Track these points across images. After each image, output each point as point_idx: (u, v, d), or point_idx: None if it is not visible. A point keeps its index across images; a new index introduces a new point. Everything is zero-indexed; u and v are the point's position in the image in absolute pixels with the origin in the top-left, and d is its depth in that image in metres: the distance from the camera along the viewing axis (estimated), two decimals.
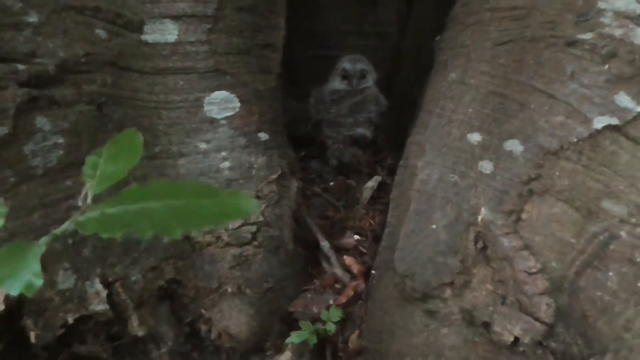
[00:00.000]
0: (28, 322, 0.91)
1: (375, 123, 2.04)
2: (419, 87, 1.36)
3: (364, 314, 1.17)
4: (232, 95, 1.20)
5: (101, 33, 1.05)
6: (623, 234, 0.93)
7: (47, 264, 0.92)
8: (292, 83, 2.30)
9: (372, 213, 1.61)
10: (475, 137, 1.08)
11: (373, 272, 1.20)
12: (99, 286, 0.98)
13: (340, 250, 1.44)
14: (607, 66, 0.96)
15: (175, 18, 1.14)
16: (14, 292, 0.49)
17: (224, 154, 1.19)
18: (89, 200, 0.58)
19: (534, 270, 0.94)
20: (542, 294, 0.92)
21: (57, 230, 0.54)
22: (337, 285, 1.32)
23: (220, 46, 1.18)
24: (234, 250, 1.16)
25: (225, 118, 1.20)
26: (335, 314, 1.17)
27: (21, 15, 0.93)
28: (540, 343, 0.92)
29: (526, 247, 0.96)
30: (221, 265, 1.15)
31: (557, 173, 0.97)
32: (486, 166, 1.04)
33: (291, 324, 1.21)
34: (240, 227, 1.17)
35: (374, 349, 1.08)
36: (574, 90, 0.98)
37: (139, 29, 1.12)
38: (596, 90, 0.96)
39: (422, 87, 1.32)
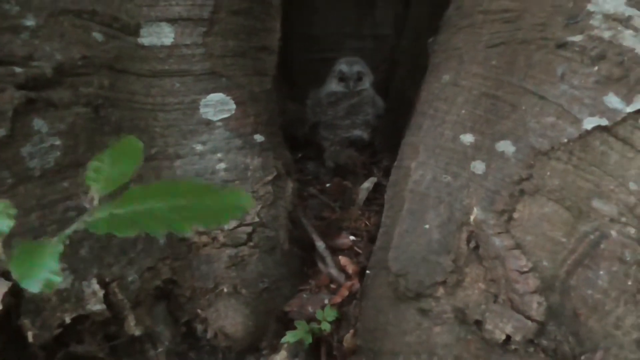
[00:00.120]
0: (25, 321, 0.91)
1: (372, 125, 2.05)
2: (415, 89, 1.37)
3: (359, 313, 1.18)
4: (228, 97, 1.21)
5: (98, 36, 1.07)
6: (613, 233, 0.94)
7: None
8: (290, 85, 2.31)
9: (367, 214, 1.62)
10: (467, 138, 1.09)
11: (368, 272, 1.21)
12: (95, 286, 0.99)
13: (335, 251, 1.45)
14: (596, 68, 0.97)
15: (172, 21, 1.15)
16: (34, 290, 0.50)
17: (219, 155, 1.20)
18: (95, 202, 0.60)
19: (525, 269, 0.95)
20: (533, 292, 0.93)
21: (68, 231, 0.55)
22: (333, 285, 1.33)
23: (216, 49, 1.19)
24: (230, 251, 1.17)
25: (221, 120, 1.21)
26: (330, 314, 1.18)
27: (19, 18, 0.95)
28: (531, 341, 0.93)
29: (518, 246, 0.97)
30: (217, 266, 1.16)
31: (548, 173, 0.98)
32: (478, 166, 1.06)
33: (287, 323, 1.22)
34: (236, 228, 1.18)
35: (368, 348, 1.09)
36: (564, 91, 0.99)
37: (135, 32, 1.13)
38: (586, 92, 0.97)
39: (418, 89, 1.33)
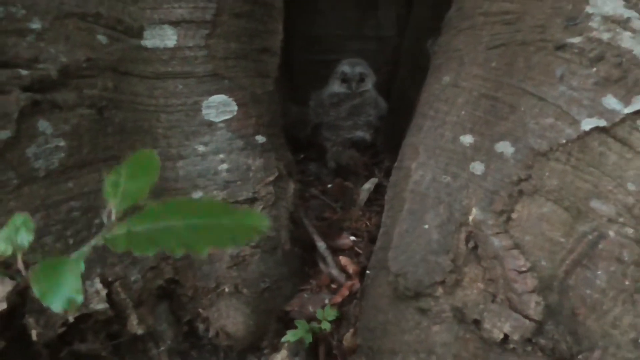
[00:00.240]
0: (30, 320, 0.92)
1: (375, 126, 2.06)
2: (416, 90, 1.38)
3: (359, 312, 1.19)
4: (230, 98, 1.22)
5: (102, 39, 1.08)
6: (611, 233, 0.94)
7: None
8: (292, 87, 2.32)
9: (368, 214, 1.63)
10: (467, 139, 1.10)
11: (368, 272, 1.22)
12: (99, 285, 1.00)
13: (336, 251, 1.46)
14: (595, 69, 0.97)
15: (174, 24, 1.16)
16: (57, 309, 0.51)
17: (221, 156, 1.21)
18: (113, 218, 0.61)
19: (523, 269, 0.95)
20: (531, 292, 0.94)
21: (87, 247, 0.56)
22: (333, 285, 1.34)
23: (219, 51, 1.21)
24: (232, 251, 1.18)
25: (223, 121, 1.22)
26: (331, 313, 1.19)
27: (25, 21, 0.96)
28: (529, 340, 0.93)
29: (516, 246, 0.98)
30: (219, 266, 1.18)
31: (547, 174, 0.99)
32: (477, 167, 1.06)
33: (287, 323, 1.23)
34: None
35: (368, 347, 1.10)
36: (563, 92, 0.99)
37: (139, 34, 1.14)
38: (584, 93, 0.98)
39: (420, 90, 1.34)
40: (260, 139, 1.27)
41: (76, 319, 0.97)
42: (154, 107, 1.17)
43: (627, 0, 1.00)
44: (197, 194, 1.18)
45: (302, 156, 2.07)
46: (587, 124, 0.96)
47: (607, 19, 0.99)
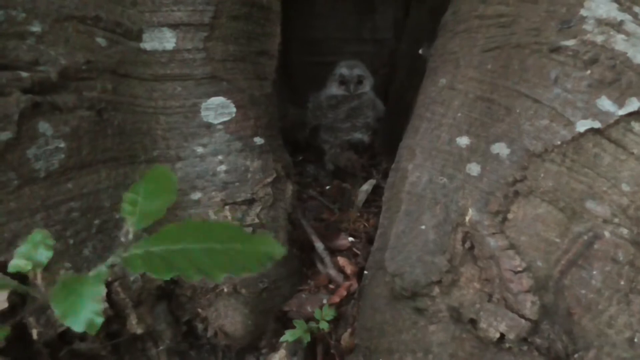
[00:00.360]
0: (30, 319, 0.93)
1: (373, 128, 2.07)
2: (413, 93, 1.39)
3: (357, 312, 1.19)
4: (228, 101, 1.23)
5: (101, 41, 1.09)
6: (606, 233, 0.95)
7: (50, 263, 0.95)
8: (291, 89, 2.34)
9: (366, 215, 1.64)
10: (463, 141, 1.11)
11: (366, 272, 1.23)
12: None
13: (334, 252, 1.47)
14: (589, 71, 0.99)
15: (173, 26, 1.17)
16: (78, 330, 0.51)
17: (220, 157, 1.22)
18: (130, 237, 0.61)
19: (519, 269, 0.96)
20: (527, 291, 0.95)
21: (105, 264, 0.57)
22: (331, 286, 1.35)
23: (217, 53, 1.21)
24: None
25: (222, 123, 1.23)
26: (329, 313, 1.20)
27: (25, 24, 0.97)
28: (525, 339, 0.94)
29: (512, 246, 0.99)
30: None
31: (542, 175, 1.00)
32: (473, 168, 1.07)
33: (286, 323, 1.24)
34: None
35: (365, 346, 1.11)
36: (557, 94, 1.01)
37: (138, 37, 1.15)
38: (579, 95, 0.99)
39: (417, 92, 1.35)
40: (259, 140, 1.28)
41: None
42: (152, 109, 1.17)
43: (620, 3, 1.02)
44: (196, 195, 1.19)
45: (300, 158, 2.08)
46: (582, 126, 0.97)
47: (601, 22, 1.00)
